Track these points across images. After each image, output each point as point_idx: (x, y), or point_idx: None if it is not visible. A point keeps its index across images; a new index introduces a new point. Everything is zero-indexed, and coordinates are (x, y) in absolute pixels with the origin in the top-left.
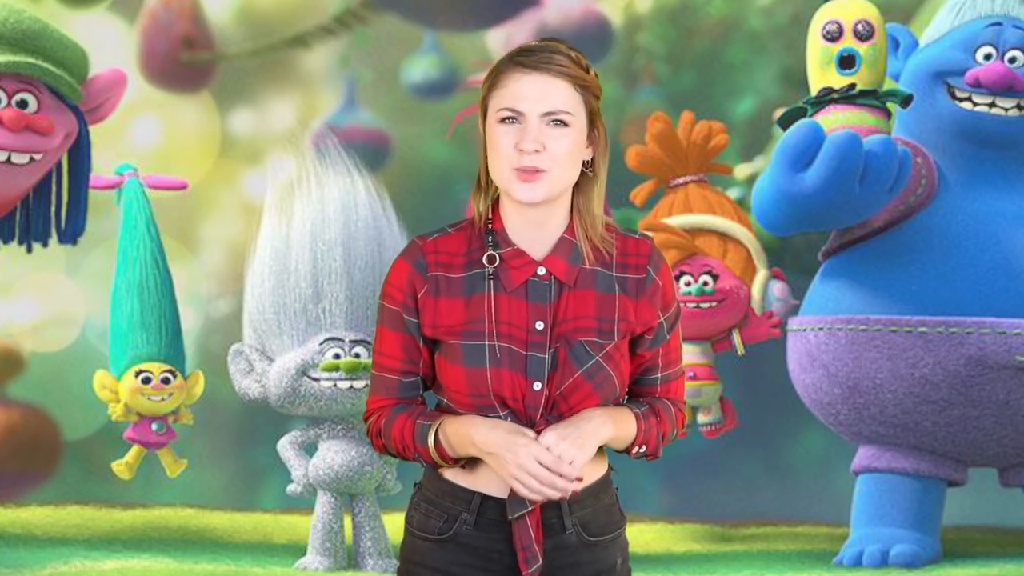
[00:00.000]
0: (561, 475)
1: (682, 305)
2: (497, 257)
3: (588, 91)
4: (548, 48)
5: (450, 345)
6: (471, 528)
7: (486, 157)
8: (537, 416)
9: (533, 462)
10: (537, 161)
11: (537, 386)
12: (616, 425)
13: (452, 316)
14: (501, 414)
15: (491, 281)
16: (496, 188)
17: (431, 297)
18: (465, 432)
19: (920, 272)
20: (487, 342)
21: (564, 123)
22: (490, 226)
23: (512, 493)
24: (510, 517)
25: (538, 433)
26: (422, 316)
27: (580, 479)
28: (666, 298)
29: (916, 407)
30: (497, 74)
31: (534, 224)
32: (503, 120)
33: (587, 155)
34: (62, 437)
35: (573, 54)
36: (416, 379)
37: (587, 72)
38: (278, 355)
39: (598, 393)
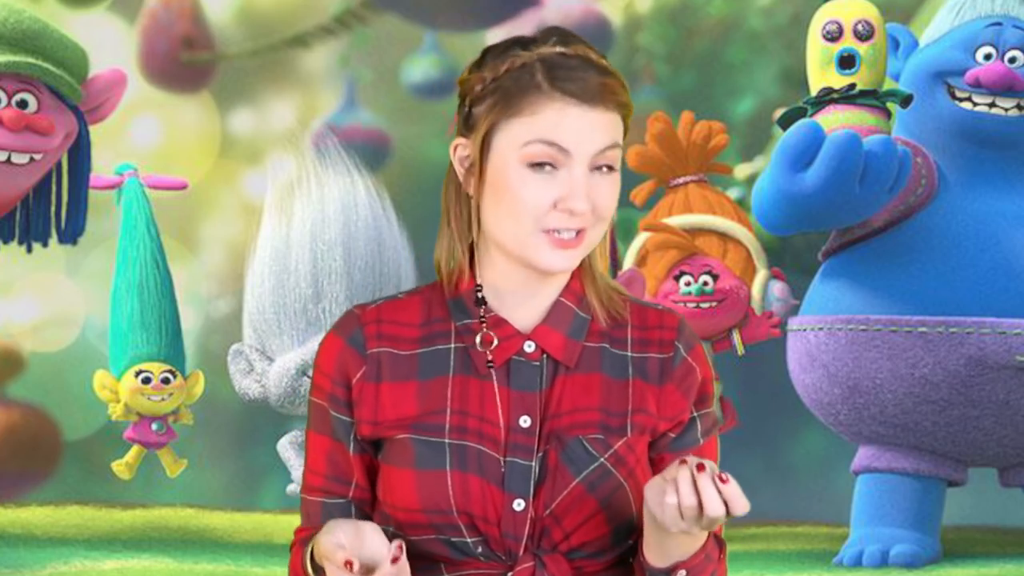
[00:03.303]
0: None
1: (682, 305)
2: (493, 337)
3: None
4: (592, 64)
5: (397, 443)
6: None
7: (467, 197)
8: (519, 548)
9: None
10: (583, 222)
11: (519, 505)
12: None
13: (401, 406)
14: (469, 541)
15: (466, 360)
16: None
17: (371, 383)
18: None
19: (920, 272)
20: (448, 440)
21: (612, 167)
22: (462, 286)
23: None
24: None
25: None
26: (358, 410)
27: None
28: (703, 389)
29: (916, 407)
30: (517, 94)
31: (530, 285)
32: (535, 164)
33: None
34: (62, 437)
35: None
36: (343, 502)
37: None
38: (278, 355)
39: (606, 512)
